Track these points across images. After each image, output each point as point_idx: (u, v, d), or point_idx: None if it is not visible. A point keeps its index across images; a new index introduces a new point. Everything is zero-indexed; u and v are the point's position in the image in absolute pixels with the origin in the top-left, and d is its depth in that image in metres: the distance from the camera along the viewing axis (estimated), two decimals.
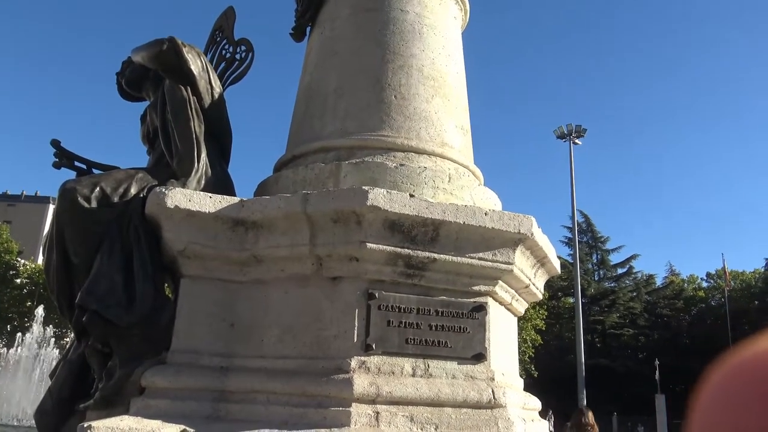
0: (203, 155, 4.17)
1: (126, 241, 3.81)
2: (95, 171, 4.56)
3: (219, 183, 4.26)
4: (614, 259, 56.09)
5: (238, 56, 4.81)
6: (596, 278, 55.25)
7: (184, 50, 4.24)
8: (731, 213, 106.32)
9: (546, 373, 39.49)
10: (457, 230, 3.78)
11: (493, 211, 3.92)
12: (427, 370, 3.74)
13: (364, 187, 3.65)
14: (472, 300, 3.97)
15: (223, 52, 4.89)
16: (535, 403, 4.55)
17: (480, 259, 3.88)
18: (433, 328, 3.81)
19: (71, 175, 4.53)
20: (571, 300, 44.55)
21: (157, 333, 3.74)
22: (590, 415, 7.75)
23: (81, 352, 4.09)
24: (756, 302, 53.42)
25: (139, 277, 3.72)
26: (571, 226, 48.49)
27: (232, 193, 4.33)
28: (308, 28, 5.25)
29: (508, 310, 4.47)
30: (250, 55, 4.81)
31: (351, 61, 4.66)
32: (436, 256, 3.78)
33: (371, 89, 4.54)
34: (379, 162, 4.20)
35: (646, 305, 54.82)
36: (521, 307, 4.68)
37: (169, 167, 4.19)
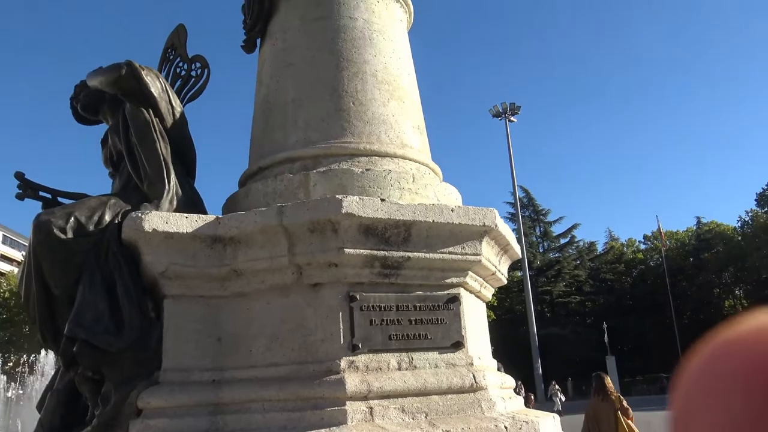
0: (172, 176, 4.24)
1: (106, 269, 3.86)
2: (60, 200, 4.57)
3: (189, 202, 4.34)
4: (556, 230, 57.87)
5: (194, 73, 4.86)
6: (541, 250, 56.85)
7: (143, 73, 4.29)
8: (662, 175, 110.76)
9: (501, 346, 40.47)
10: (427, 228, 4.00)
11: (459, 207, 4.15)
12: (412, 362, 3.95)
13: (337, 196, 3.82)
14: (446, 292, 4.20)
15: (178, 69, 4.94)
16: (510, 381, 4.84)
17: (450, 253, 4.11)
18: (413, 322, 4.03)
19: (36, 205, 4.53)
20: (519, 273, 45.73)
21: (147, 355, 3.82)
22: (608, 379, 8.15)
23: (68, 381, 4.13)
24: (691, 259, 56.08)
25: (125, 303, 3.79)
26: (513, 201, 49.83)
27: (202, 211, 4.42)
28: (258, 40, 5.34)
29: (478, 297, 4.72)
30: (206, 71, 4.87)
31: (307, 71, 4.79)
32: (410, 254, 3.98)
33: (329, 98, 4.68)
34: (345, 169, 4.36)
35: (589, 272, 56.81)
36: (488, 293, 4.94)
37: (138, 190, 4.25)
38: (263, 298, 4.05)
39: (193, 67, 4.88)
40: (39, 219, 3.85)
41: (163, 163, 4.20)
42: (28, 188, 4.45)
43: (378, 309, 3.96)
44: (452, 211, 4.07)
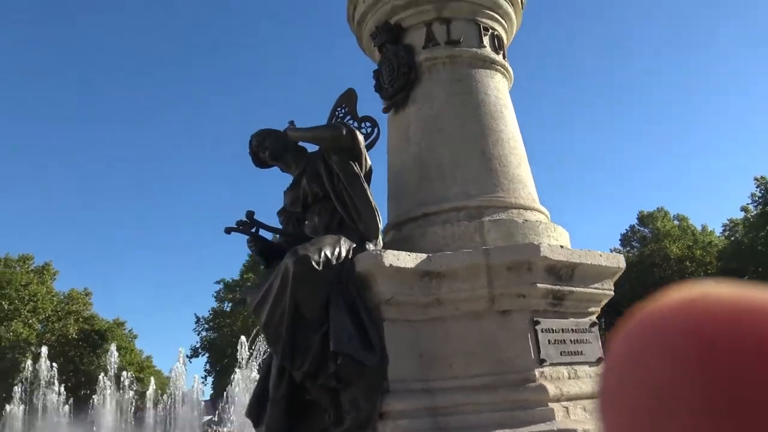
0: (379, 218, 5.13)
1: (347, 296, 4.67)
2: (262, 233, 5.27)
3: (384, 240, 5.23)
4: None
5: (363, 131, 5.73)
6: None
7: (358, 134, 5.16)
8: None
9: None
10: (586, 269, 5.19)
11: (605, 253, 5.39)
12: (576, 373, 5.09)
13: (534, 243, 4.93)
14: (587, 319, 5.39)
15: None
16: None
17: (595, 288, 5.33)
18: (573, 342, 5.17)
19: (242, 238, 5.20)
20: None
21: (382, 368, 4.66)
22: None
23: (285, 392, 4.84)
24: None
25: (369, 325, 4.62)
26: None
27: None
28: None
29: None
30: (377, 130, 5.77)
31: (457, 136, 5.85)
32: (573, 288, 5.15)
33: (479, 159, 5.77)
34: (508, 219, 5.46)
35: None
36: None
37: (350, 230, 5.07)
38: (459, 323, 5.02)
39: (363, 125, 5.75)
40: (298, 254, 4.58)
41: (374, 208, 5.08)
42: (250, 225, 5.12)
43: (550, 331, 5.06)
44: (600, 255, 5.30)
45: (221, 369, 45.16)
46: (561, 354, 5.06)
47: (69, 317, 43.26)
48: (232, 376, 24.53)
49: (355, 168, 5.15)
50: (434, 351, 5.00)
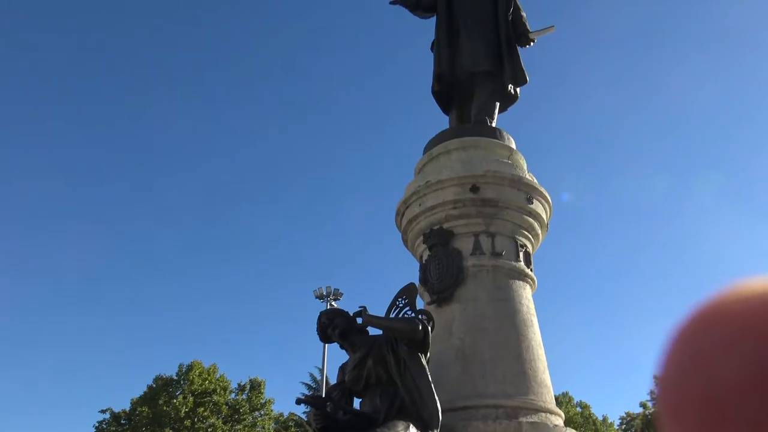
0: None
1: None
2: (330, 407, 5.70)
3: None
4: None
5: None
6: None
7: (430, 330, 5.86)
8: None
9: None
10: None
11: None
12: None
13: None
14: None
15: (405, 316, 6.48)
16: None
17: None
18: None
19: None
20: None
21: None
22: None
23: None
24: None
25: None
26: (309, 382, 50.92)
27: None
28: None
29: None
30: (431, 323, 6.48)
31: (498, 337, 6.65)
32: None
33: (515, 362, 6.55)
34: (541, 423, 6.16)
35: None
36: None
37: (411, 416, 5.59)
38: None
39: (419, 317, 6.46)
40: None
41: (437, 400, 5.66)
42: (326, 400, 5.57)
43: None
44: None
45: None
46: None
47: None
48: None
49: (423, 360, 5.79)
50: None
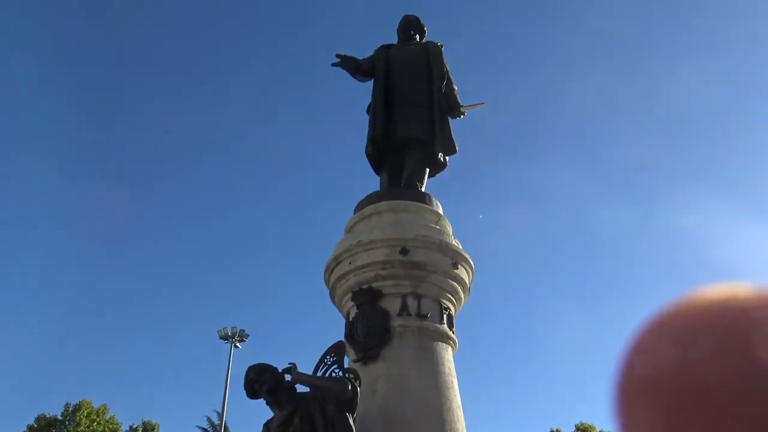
0: None
1: None
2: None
3: None
4: None
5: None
6: None
7: (359, 391, 6.01)
8: None
9: None
10: None
11: None
12: None
13: None
14: None
15: (333, 374, 6.59)
16: None
17: None
18: None
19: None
20: None
21: None
22: None
23: None
24: None
25: None
26: (206, 426, 48.96)
27: None
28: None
29: None
30: (359, 381, 6.62)
31: (420, 399, 6.87)
32: None
33: (437, 422, 6.78)
34: None
35: None
36: None
37: None
38: None
39: (347, 376, 6.59)
40: None
41: None
42: None
43: None
44: None
45: None
46: None
47: None
48: None
49: (350, 420, 5.92)
50: None
